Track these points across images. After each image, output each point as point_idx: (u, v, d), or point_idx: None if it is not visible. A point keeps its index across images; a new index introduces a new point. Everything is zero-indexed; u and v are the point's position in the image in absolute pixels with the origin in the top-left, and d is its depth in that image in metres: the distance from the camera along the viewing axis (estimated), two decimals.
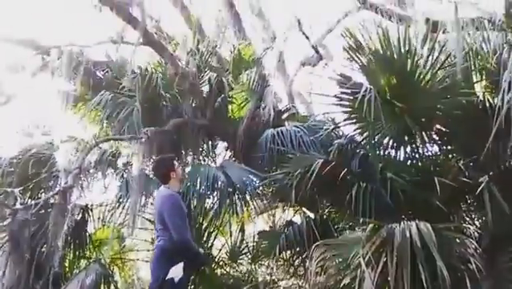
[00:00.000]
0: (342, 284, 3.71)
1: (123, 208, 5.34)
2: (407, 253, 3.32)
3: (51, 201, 5.02)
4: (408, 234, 3.40)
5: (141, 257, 6.23)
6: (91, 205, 5.72)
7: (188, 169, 6.27)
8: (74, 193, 5.21)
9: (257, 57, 6.82)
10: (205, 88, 6.67)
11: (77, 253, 5.50)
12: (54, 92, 6.37)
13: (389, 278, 3.33)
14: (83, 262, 5.65)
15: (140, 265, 6.47)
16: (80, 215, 5.43)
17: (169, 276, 3.44)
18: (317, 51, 7.15)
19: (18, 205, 4.60)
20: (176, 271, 3.45)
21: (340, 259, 3.80)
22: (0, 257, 4.65)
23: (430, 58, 4.25)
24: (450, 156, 4.60)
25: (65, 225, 4.49)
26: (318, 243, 3.87)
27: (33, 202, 4.80)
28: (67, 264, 5.42)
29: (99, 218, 5.64)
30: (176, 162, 3.94)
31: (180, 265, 3.47)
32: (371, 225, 3.66)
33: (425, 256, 3.26)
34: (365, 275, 3.34)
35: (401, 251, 3.34)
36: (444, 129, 4.46)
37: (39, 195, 5.35)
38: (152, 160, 4.09)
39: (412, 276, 3.24)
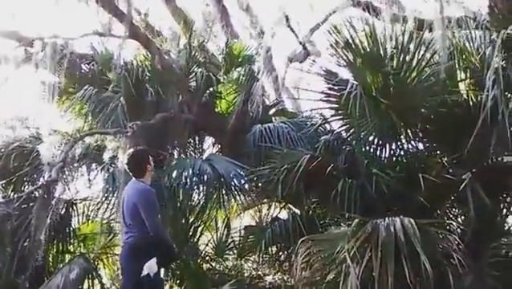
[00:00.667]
0: (327, 279, 3.75)
1: (108, 202, 5.29)
2: (391, 248, 3.36)
3: (35, 194, 4.95)
4: (392, 230, 3.45)
5: None
6: (76, 200, 5.65)
7: (173, 162, 6.24)
8: (58, 187, 5.14)
9: (247, 54, 6.80)
10: (193, 83, 6.63)
11: (61, 247, 5.43)
12: (38, 85, 6.27)
13: (374, 273, 3.36)
14: (67, 257, 5.59)
15: None
16: (64, 209, 5.35)
17: (144, 273, 3.38)
18: (304, 47, 7.15)
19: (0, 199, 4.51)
20: (151, 267, 3.40)
21: (326, 254, 3.82)
22: None
23: (416, 56, 4.30)
24: (434, 153, 4.66)
25: (48, 219, 4.42)
26: (303, 239, 3.89)
27: (15, 196, 4.70)
28: (50, 259, 5.35)
29: (83, 213, 5.57)
30: (150, 155, 3.77)
31: (153, 260, 3.42)
32: (356, 221, 3.70)
33: (409, 251, 3.31)
34: (350, 270, 3.37)
35: (386, 246, 3.38)
36: (428, 126, 4.53)
37: (22, 189, 5.26)
38: (126, 153, 3.85)
39: (396, 271, 3.29)
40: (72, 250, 5.67)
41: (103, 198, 5.32)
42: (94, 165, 5.98)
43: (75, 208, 5.60)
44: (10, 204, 4.49)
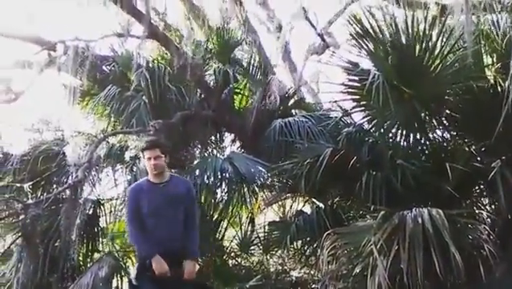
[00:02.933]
0: (354, 272, 3.71)
1: None
2: (419, 239, 3.30)
3: (63, 196, 5.06)
4: (420, 221, 3.39)
5: None
6: (103, 200, 5.76)
7: (195, 161, 6.29)
8: (85, 187, 5.24)
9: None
10: (211, 80, 6.65)
11: (90, 246, 5.54)
12: (61, 87, 6.40)
13: (402, 266, 3.31)
14: (96, 256, 5.70)
15: None
16: (92, 209, 5.46)
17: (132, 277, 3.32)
18: (323, 39, 7.07)
19: (29, 201, 4.63)
20: (134, 273, 3.30)
21: (352, 248, 3.78)
22: (14, 252, 4.70)
23: (439, 42, 4.19)
24: (461, 141, 4.54)
25: (77, 219, 4.52)
26: (329, 232, 3.86)
27: (44, 197, 4.82)
28: (80, 258, 5.47)
29: (110, 212, 5.67)
30: (146, 152, 3.36)
31: (136, 267, 3.31)
32: (382, 213, 3.64)
33: (438, 243, 3.24)
34: (377, 263, 3.33)
35: (413, 238, 3.32)
36: (454, 114, 4.41)
37: (50, 190, 5.39)
38: None
39: (424, 263, 3.22)
40: (101, 248, 5.79)
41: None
42: (118, 165, 6.08)
43: (102, 208, 5.71)
44: (39, 205, 4.60)
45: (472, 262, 3.36)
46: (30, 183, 5.05)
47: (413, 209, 3.52)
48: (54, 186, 5.64)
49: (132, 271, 3.35)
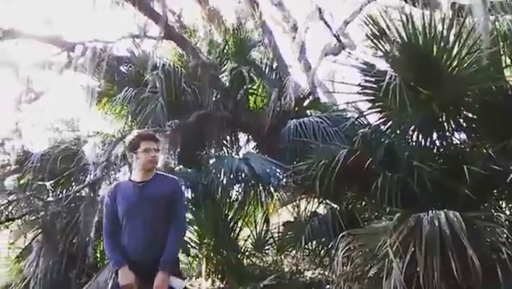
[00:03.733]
0: (369, 274, 3.69)
1: None
2: (436, 242, 3.27)
3: (82, 194, 5.15)
4: (436, 223, 3.35)
5: None
6: None
7: (211, 161, 6.35)
8: (103, 185, 5.33)
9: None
10: (227, 80, 6.70)
11: None
12: (80, 88, 6.52)
13: (418, 269, 3.29)
14: None
15: None
16: None
17: None
18: (339, 40, 7.05)
19: (49, 198, 4.74)
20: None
21: (367, 249, 3.77)
22: (34, 247, 4.82)
23: (457, 43, 4.14)
24: (479, 142, 4.48)
25: (95, 216, 4.60)
26: (344, 233, 3.85)
27: (63, 195, 4.93)
28: (98, 255, 5.56)
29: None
30: (142, 144, 3.01)
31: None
32: (398, 215, 3.62)
33: (455, 245, 3.20)
34: (393, 265, 3.31)
35: (430, 240, 3.29)
36: (472, 115, 4.36)
37: (70, 188, 5.50)
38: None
39: (441, 266, 3.19)
40: None
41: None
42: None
43: None
44: (59, 203, 4.70)
45: (490, 265, 3.31)
46: (51, 182, 5.15)
47: (430, 212, 3.49)
48: (74, 184, 5.75)
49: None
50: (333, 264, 4.01)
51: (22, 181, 5.48)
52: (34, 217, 4.96)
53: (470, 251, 3.08)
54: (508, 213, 4.22)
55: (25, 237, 5.05)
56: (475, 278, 3.09)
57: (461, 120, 4.38)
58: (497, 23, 4.26)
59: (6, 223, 4.96)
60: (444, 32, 4.18)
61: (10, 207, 4.96)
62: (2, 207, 5.00)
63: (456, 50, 4.18)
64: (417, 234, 3.38)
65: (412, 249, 3.36)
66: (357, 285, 3.89)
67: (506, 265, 3.21)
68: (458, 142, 4.50)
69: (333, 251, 4.26)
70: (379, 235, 3.65)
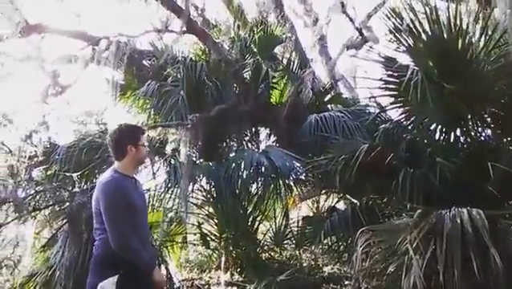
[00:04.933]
0: (388, 271, 3.66)
1: (171, 193, 5.52)
2: (457, 240, 3.21)
3: None
4: (458, 221, 3.29)
5: (189, 239, 6.45)
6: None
7: (231, 155, 6.39)
8: None
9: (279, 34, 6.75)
10: (248, 74, 6.71)
11: None
12: (104, 82, 6.66)
13: (438, 267, 3.24)
14: None
15: (190, 247, 6.70)
16: None
17: None
18: (361, 34, 6.96)
19: (75, 189, 4.86)
20: (106, 287, 2.67)
21: (387, 245, 3.74)
22: (60, 237, 4.96)
23: (483, 37, 4.03)
24: (504, 139, 4.37)
25: None
26: (363, 229, 3.82)
27: (88, 186, 5.05)
28: None
29: (149, 203, 5.85)
30: (143, 137, 2.94)
31: (112, 280, 2.67)
32: (419, 211, 3.57)
33: (477, 244, 3.15)
34: (413, 262, 3.27)
35: (451, 238, 3.24)
36: (498, 111, 4.24)
37: (95, 180, 5.62)
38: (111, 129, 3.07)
39: (462, 264, 3.14)
40: None
41: (166, 189, 5.55)
42: (156, 158, 6.26)
43: None
44: (84, 194, 4.81)
45: None
46: (77, 173, 5.27)
47: (452, 209, 3.43)
48: (98, 176, 5.87)
49: (105, 284, 2.68)
50: (352, 260, 4.00)
51: (48, 173, 5.64)
52: (59, 208, 5.10)
53: (492, 250, 3.02)
54: None
55: (51, 227, 5.20)
56: (497, 278, 3.03)
57: (486, 116, 4.27)
58: None
59: (33, 213, 5.12)
60: (470, 25, 4.08)
61: (38, 197, 5.11)
62: (30, 198, 5.15)
63: (482, 44, 4.07)
64: (438, 231, 3.33)
65: (433, 246, 3.32)
66: (376, 281, 3.88)
67: None
68: (483, 138, 4.39)
69: (352, 247, 4.24)
70: (399, 232, 3.61)
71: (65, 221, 4.89)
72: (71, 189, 4.85)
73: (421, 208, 3.62)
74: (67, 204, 4.92)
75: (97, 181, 3.02)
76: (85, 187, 5.16)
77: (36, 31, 6.36)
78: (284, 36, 6.95)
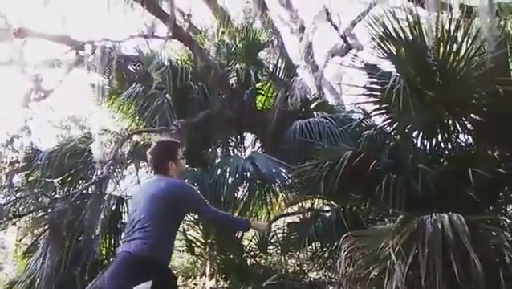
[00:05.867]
0: (371, 275, 3.68)
1: None
2: (439, 245, 3.25)
3: (89, 191, 5.21)
4: (439, 226, 3.33)
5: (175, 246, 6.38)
6: (126, 196, 5.89)
7: (217, 161, 6.37)
8: (109, 183, 5.39)
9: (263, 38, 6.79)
10: (233, 80, 6.72)
11: (113, 241, 5.67)
12: (88, 86, 6.59)
13: (420, 271, 3.27)
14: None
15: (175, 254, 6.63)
16: (115, 205, 5.59)
17: None
18: (345, 41, 7.04)
19: (57, 196, 4.79)
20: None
21: (370, 251, 3.76)
22: (41, 244, 4.88)
23: (464, 45, 4.11)
24: (485, 146, 4.44)
25: (101, 214, 4.65)
26: (347, 234, 3.85)
27: (70, 192, 4.99)
28: (104, 252, 5.62)
29: None
30: (180, 151, 3.17)
31: (146, 284, 2.64)
32: (401, 217, 3.61)
33: (457, 248, 3.19)
34: (395, 267, 3.30)
35: (433, 243, 3.27)
36: (478, 118, 4.32)
37: (77, 186, 5.56)
38: (153, 144, 3.23)
39: (443, 269, 3.18)
40: None
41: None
42: (142, 163, 6.22)
43: (125, 204, 5.84)
44: (66, 200, 4.75)
45: (492, 269, 3.29)
46: (59, 179, 5.21)
47: (433, 214, 3.47)
48: (81, 182, 5.81)
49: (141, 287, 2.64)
50: (336, 265, 4.01)
51: (30, 179, 5.55)
52: (40, 214, 5.03)
53: (473, 255, 3.06)
54: None
55: (32, 234, 5.11)
56: (477, 282, 3.07)
57: (467, 123, 4.35)
58: (505, 26, 4.21)
59: (14, 220, 5.03)
60: (452, 33, 4.16)
61: (18, 204, 5.03)
62: (11, 204, 5.06)
63: (463, 51, 4.15)
64: (420, 236, 3.36)
65: (415, 251, 3.35)
66: (359, 286, 3.89)
67: (509, 270, 3.19)
68: (464, 145, 4.47)
69: (336, 252, 4.26)
70: (381, 237, 3.64)
71: (46, 227, 4.81)
72: (52, 195, 4.78)
73: (403, 213, 3.66)
74: (49, 210, 4.84)
75: (150, 185, 3.09)
76: (68, 193, 5.08)
77: (19, 36, 6.27)
78: (268, 41, 6.99)
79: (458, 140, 4.43)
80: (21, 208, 5.06)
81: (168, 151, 3.14)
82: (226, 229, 3.07)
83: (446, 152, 4.47)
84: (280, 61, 7.10)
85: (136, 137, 6.13)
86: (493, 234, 3.59)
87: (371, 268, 3.67)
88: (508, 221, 4.02)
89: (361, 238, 3.83)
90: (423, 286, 3.21)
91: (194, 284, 6.12)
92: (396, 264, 3.29)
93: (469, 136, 4.46)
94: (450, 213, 3.42)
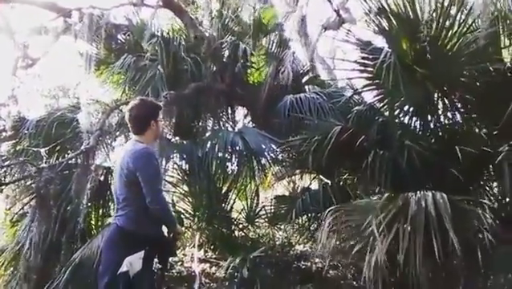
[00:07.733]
0: (354, 249, 3.75)
1: None
2: (421, 222, 3.29)
3: (76, 161, 5.18)
4: (423, 204, 3.37)
5: None
6: (114, 167, 5.87)
7: (207, 134, 6.35)
8: (97, 154, 5.35)
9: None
10: (226, 53, 6.61)
11: (101, 211, 5.70)
12: (77, 55, 6.46)
13: (401, 247, 3.33)
14: (108, 220, 5.86)
15: None
16: (103, 176, 5.58)
17: (122, 269, 2.66)
18: (339, 15, 6.91)
19: (43, 165, 4.77)
20: (132, 263, 2.66)
21: (354, 225, 3.81)
22: (28, 213, 4.89)
23: (457, 20, 4.06)
24: (473, 124, 4.45)
25: (88, 184, 4.65)
26: (332, 208, 3.88)
27: (58, 162, 4.96)
28: (92, 222, 5.65)
29: None
30: (160, 112, 3.09)
31: (138, 255, 2.68)
32: (386, 194, 3.64)
33: (439, 226, 3.23)
34: (377, 242, 3.35)
35: (415, 220, 3.32)
36: (468, 96, 4.31)
37: (65, 156, 5.52)
38: (134, 101, 3.07)
39: (424, 246, 3.23)
40: (112, 214, 5.94)
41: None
42: (131, 134, 6.15)
43: (113, 175, 5.82)
44: (53, 169, 4.73)
45: (471, 248, 3.34)
46: (46, 148, 5.17)
47: (418, 192, 3.51)
48: (69, 152, 5.76)
49: (132, 259, 2.68)
50: (319, 236, 4.06)
51: (18, 148, 5.51)
52: (28, 183, 5.01)
53: (451, 233, 3.10)
54: (495, 197, 4.22)
55: (20, 202, 5.11)
56: (456, 259, 3.13)
57: (456, 101, 4.34)
58: (497, 3, 4.14)
59: (0, 188, 5.01)
60: (445, 8, 4.09)
61: (5, 172, 5.00)
62: None
63: (456, 27, 4.10)
64: (404, 213, 3.41)
65: (398, 227, 3.40)
66: (343, 258, 3.96)
67: (487, 249, 3.25)
68: (452, 122, 4.47)
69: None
70: (367, 213, 3.69)
71: (33, 196, 4.81)
72: (39, 164, 4.75)
73: (389, 191, 3.69)
74: (36, 179, 4.83)
75: (124, 151, 2.96)
76: (55, 162, 5.06)
77: (5, 1, 6.09)
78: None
79: (447, 119, 4.43)
80: (8, 177, 5.04)
81: (151, 108, 3.02)
82: (157, 221, 2.87)
83: (434, 129, 4.47)
84: (274, 34, 6.97)
85: (124, 108, 6.05)
86: (475, 212, 3.64)
87: (354, 242, 3.73)
88: (488, 203, 4.08)
89: (346, 212, 3.87)
90: (403, 261, 3.27)
91: (183, 255, 6.20)
92: (378, 239, 3.34)
93: (458, 114, 4.46)
94: (434, 191, 3.45)
